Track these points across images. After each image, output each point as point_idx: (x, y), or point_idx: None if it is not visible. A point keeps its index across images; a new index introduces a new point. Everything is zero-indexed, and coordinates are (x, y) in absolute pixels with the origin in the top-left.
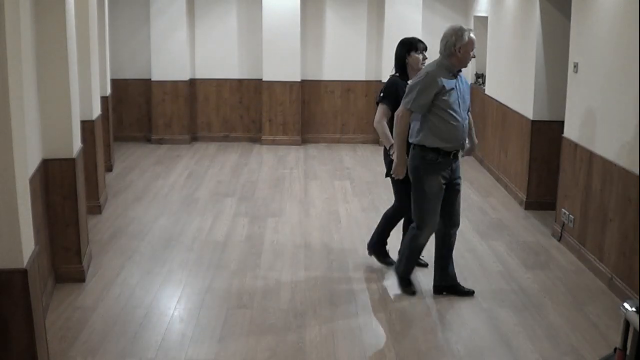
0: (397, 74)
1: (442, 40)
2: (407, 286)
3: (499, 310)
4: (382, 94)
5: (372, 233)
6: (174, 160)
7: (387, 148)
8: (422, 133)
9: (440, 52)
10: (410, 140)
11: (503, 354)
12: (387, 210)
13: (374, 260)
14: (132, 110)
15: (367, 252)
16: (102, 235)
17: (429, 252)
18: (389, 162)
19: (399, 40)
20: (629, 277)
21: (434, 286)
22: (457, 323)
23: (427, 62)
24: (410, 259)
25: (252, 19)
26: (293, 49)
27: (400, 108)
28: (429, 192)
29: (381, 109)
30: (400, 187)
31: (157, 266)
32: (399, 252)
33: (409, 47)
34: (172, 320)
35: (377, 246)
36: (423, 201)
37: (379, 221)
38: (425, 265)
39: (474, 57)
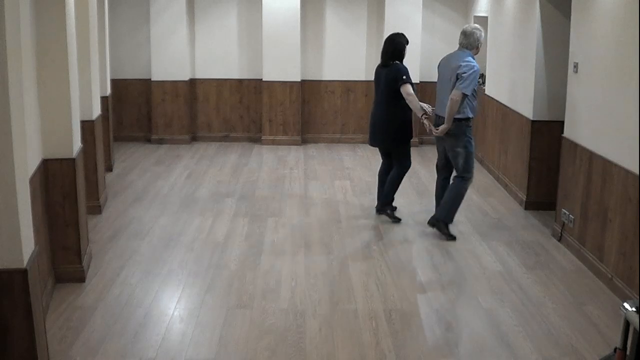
0: (397, 62)
1: (469, 36)
2: (450, 233)
3: (499, 310)
4: (404, 77)
5: (377, 196)
6: (174, 160)
7: (420, 116)
8: (465, 109)
9: (465, 45)
10: (456, 116)
11: (503, 354)
12: (391, 175)
13: (373, 260)
14: (132, 110)
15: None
16: (102, 235)
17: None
18: (400, 124)
19: (393, 35)
20: (629, 277)
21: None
22: (457, 323)
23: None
24: (455, 205)
25: (252, 19)
26: (293, 49)
27: (458, 93)
28: (472, 149)
29: (408, 87)
30: (401, 152)
31: (157, 266)
32: (443, 202)
33: (406, 40)
34: (172, 320)
35: (388, 205)
36: (470, 157)
37: (384, 186)
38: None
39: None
